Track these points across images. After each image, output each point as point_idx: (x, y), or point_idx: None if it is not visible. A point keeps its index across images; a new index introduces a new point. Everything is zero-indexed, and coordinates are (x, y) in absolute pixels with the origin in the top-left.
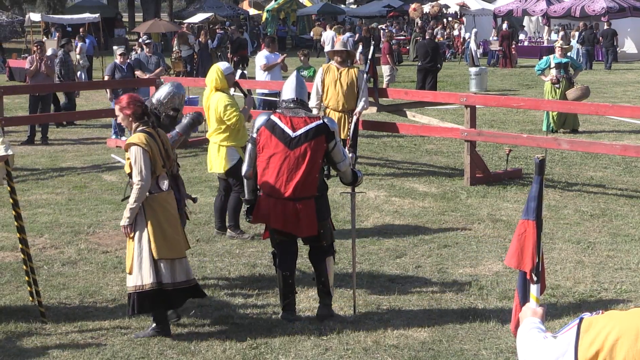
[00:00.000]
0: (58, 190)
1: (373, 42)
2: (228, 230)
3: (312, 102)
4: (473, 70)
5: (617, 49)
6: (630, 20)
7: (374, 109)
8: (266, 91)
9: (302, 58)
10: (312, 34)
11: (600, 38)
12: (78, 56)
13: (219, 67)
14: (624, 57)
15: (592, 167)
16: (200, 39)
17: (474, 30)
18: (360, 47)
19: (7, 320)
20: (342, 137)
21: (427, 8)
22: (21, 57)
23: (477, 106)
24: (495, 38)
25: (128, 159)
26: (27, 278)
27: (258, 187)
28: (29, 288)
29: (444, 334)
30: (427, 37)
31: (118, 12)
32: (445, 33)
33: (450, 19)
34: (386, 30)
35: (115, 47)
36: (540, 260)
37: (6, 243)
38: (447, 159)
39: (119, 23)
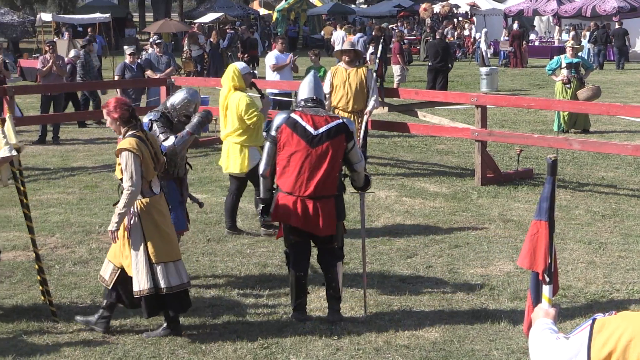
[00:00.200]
0: (69, 190)
1: (381, 41)
2: (262, 229)
3: None
4: (484, 70)
5: (629, 49)
6: None
7: (384, 109)
8: (276, 91)
9: (312, 58)
10: (322, 33)
11: (612, 37)
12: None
13: (236, 67)
14: (635, 57)
15: (603, 168)
16: (211, 39)
17: (485, 30)
18: (371, 48)
19: (19, 319)
20: None
21: (437, 8)
22: (32, 57)
23: (487, 106)
24: (506, 38)
25: (119, 164)
26: (38, 277)
27: (275, 185)
28: (40, 287)
29: (455, 335)
30: (437, 37)
31: (129, 12)
32: (455, 33)
33: (460, 18)
34: (396, 30)
35: (125, 47)
36: (552, 261)
37: (18, 242)
38: (457, 159)
39: (129, 23)
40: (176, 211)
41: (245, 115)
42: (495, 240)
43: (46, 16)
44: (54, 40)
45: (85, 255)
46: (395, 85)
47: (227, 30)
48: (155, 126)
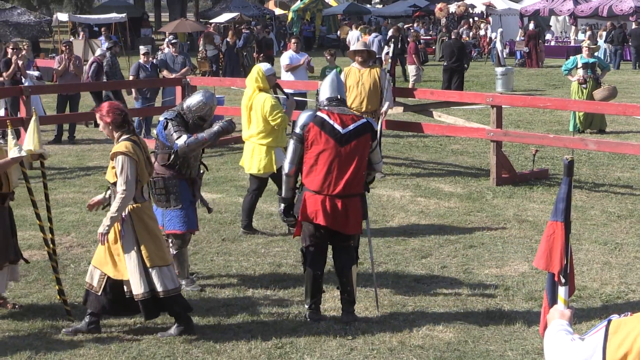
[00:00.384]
0: (85, 189)
1: (392, 41)
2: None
3: None
4: (499, 70)
5: None
6: None
7: (399, 109)
8: (291, 91)
9: (328, 57)
10: (339, 32)
11: (629, 37)
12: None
13: (260, 68)
14: None
15: (619, 168)
16: (228, 39)
17: (500, 30)
18: (386, 48)
19: (35, 317)
20: None
21: (453, 8)
22: (49, 57)
23: (503, 106)
24: (521, 38)
25: (112, 167)
26: (53, 276)
27: (299, 184)
28: (55, 286)
29: (470, 335)
30: (453, 37)
31: (144, 12)
32: (471, 33)
33: (476, 18)
34: (412, 30)
35: (141, 47)
36: (568, 263)
37: (34, 242)
38: (473, 159)
39: (145, 23)
40: (187, 210)
41: (270, 116)
42: (510, 240)
43: (62, 16)
44: (71, 40)
45: None
46: (410, 85)
47: (243, 30)
48: (170, 125)
